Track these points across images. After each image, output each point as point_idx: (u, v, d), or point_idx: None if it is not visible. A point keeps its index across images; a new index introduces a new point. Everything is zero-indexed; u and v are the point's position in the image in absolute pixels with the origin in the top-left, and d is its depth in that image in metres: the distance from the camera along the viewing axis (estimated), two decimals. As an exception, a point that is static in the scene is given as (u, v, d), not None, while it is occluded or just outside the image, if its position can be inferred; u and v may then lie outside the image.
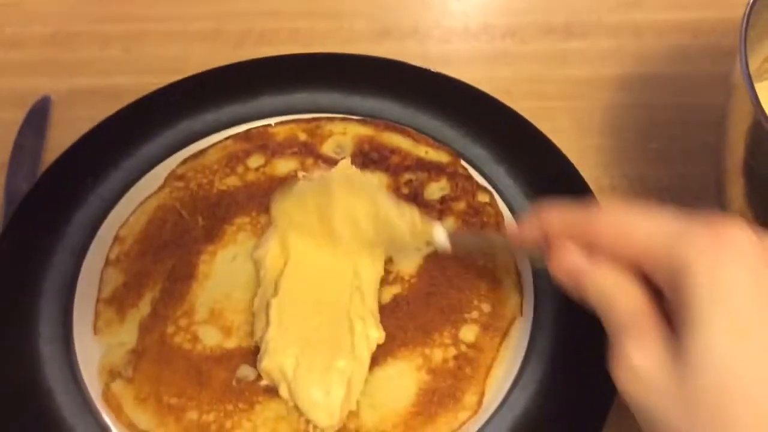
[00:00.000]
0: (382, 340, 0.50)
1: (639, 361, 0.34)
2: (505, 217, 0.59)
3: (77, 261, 0.56)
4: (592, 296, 0.39)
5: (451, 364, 0.51)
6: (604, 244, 0.38)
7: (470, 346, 0.51)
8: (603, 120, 0.69)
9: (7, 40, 0.77)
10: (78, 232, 0.57)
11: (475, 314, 0.53)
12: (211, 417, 0.48)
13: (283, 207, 0.55)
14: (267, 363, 0.48)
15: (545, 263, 0.42)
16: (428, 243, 0.52)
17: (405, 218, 0.50)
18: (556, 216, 0.42)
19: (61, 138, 0.66)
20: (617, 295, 0.37)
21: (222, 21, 0.78)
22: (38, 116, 0.69)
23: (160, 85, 0.66)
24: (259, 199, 0.59)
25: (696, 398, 0.32)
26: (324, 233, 0.52)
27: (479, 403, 0.49)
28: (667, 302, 0.36)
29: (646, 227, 0.37)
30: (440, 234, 0.50)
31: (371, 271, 0.54)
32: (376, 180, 0.56)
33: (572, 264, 0.40)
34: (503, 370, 0.51)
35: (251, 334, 0.52)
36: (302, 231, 0.53)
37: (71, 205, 0.58)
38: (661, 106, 0.71)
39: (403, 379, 0.50)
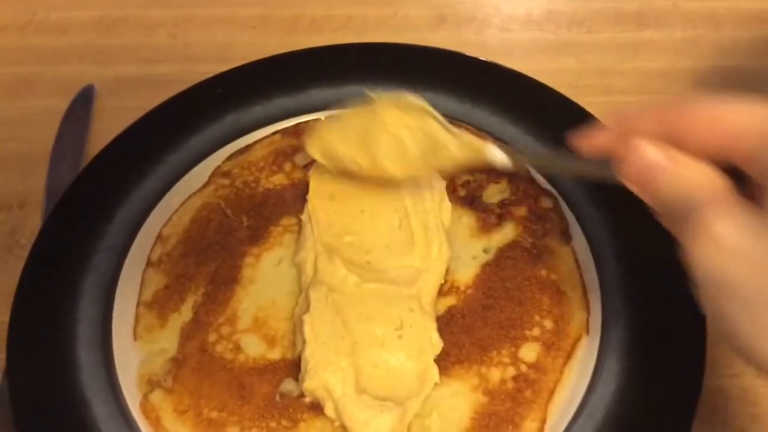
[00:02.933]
0: (439, 349, 0.47)
1: (722, 228, 0.33)
2: (569, 224, 0.54)
3: (118, 261, 0.54)
4: (669, 190, 0.36)
5: (510, 385, 0.47)
6: (692, 134, 0.36)
7: (531, 366, 0.48)
8: (678, 117, 0.64)
9: (53, 25, 0.75)
10: (120, 230, 0.55)
11: (536, 331, 0.49)
12: (252, 433, 0.46)
13: (322, 137, 0.51)
14: (309, 383, 0.45)
15: (614, 175, 0.38)
16: (481, 163, 0.47)
17: (453, 136, 0.47)
18: (637, 110, 0.39)
19: (105, 127, 0.65)
20: (700, 177, 0.35)
21: (271, 7, 0.74)
22: (82, 105, 0.67)
23: (207, 74, 0.64)
24: (306, 199, 0.56)
25: None
26: (367, 161, 0.49)
27: (540, 430, 0.45)
28: (752, 182, 0.35)
29: (741, 113, 0.35)
30: (495, 150, 0.46)
31: (432, 276, 0.51)
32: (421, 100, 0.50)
33: (648, 160, 0.37)
34: (567, 395, 0.47)
35: (295, 344, 0.49)
36: (341, 165, 0.50)
37: (113, 202, 0.56)
38: (741, 102, 0.65)
39: (458, 400, 0.46)
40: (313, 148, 0.52)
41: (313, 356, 0.46)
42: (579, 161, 0.42)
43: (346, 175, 0.52)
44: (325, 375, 0.45)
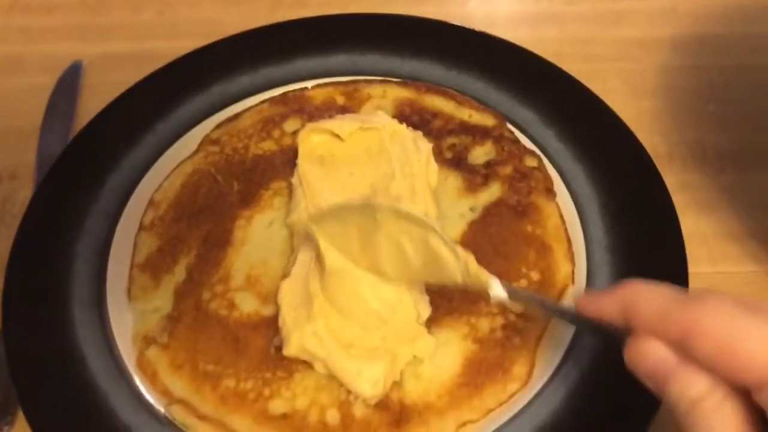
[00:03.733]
0: (427, 314, 0.48)
1: None
2: (554, 182, 0.56)
3: (111, 225, 0.54)
4: (680, 406, 0.33)
5: (499, 333, 0.48)
6: (702, 351, 0.32)
7: (519, 315, 0.49)
8: (658, 82, 0.66)
9: (39, 5, 0.76)
10: (111, 196, 0.55)
11: (523, 282, 0.50)
12: (248, 385, 0.46)
13: (324, 228, 0.48)
14: (288, 350, 0.46)
15: (617, 341, 0.36)
16: (481, 292, 0.44)
17: (458, 259, 0.44)
18: (647, 297, 0.35)
19: (93, 103, 0.65)
20: (715, 410, 0.32)
21: (257, -18, 0.75)
22: (70, 81, 0.68)
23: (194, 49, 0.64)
24: (296, 164, 0.56)
25: None
26: (367, 259, 0.47)
27: (529, 374, 0.47)
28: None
29: (763, 342, 0.31)
30: (497, 286, 0.43)
31: None
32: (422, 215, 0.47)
33: (658, 361, 0.34)
34: (554, 340, 0.48)
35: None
36: (343, 253, 0.48)
37: (104, 168, 0.56)
38: (718, 67, 0.67)
39: (449, 349, 0.47)
40: (316, 229, 0.48)
41: (286, 323, 0.46)
42: (581, 317, 0.39)
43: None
44: (301, 341, 0.46)
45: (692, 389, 0.32)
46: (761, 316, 0.31)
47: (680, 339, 0.33)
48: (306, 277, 0.48)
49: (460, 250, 0.43)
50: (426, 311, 0.48)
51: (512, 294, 0.42)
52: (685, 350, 0.33)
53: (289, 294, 0.47)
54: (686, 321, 0.33)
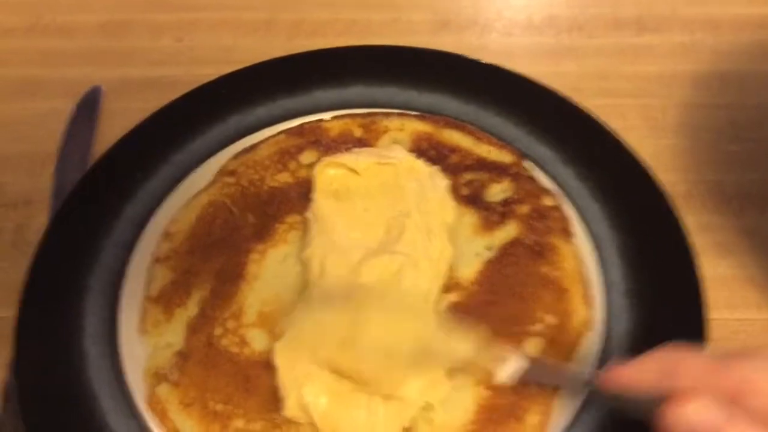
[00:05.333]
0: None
1: None
2: (571, 222, 0.55)
3: (125, 257, 0.54)
4: None
5: (514, 379, 0.47)
6: (758, 407, 0.32)
7: (535, 360, 0.48)
8: (678, 120, 0.65)
9: (59, 28, 0.76)
10: (126, 227, 0.55)
11: (539, 327, 0.49)
12: (258, 426, 0.46)
13: (294, 330, 0.46)
14: (288, 410, 0.45)
15: (645, 413, 0.35)
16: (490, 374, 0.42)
17: (458, 347, 0.42)
18: (689, 359, 0.35)
19: (111, 129, 0.65)
20: None
21: (275, 11, 0.75)
22: (89, 107, 0.68)
23: (212, 77, 0.64)
24: (311, 197, 0.56)
25: None
26: (347, 362, 0.44)
27: (543, 424, 0.46)
28: None
29: None
30: (507, 368, 0.41)
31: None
32: (423, 291, 0.47)
33: (707, 419, 0.32)
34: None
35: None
36: (314, 360, 0.45)
37: (120, 199, 0.56)
38: (739, 105, 0.66)
39: (462, 394, 0.47)
40: (280, 358, 0.46)
41: (284, 383, 0.46)
42: (598, 391, 0.39)
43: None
44: (300, 401, 0.45)
45: None
46: None
47: (733, 395, 0.32)
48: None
49: (460, 333, 0.42)
50: None
51: (521, 373, 0.41)
52: (738, 405, 0.32)
53: (285, 354, 0.47)
54: (736, 378, 0.32)
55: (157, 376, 0.48)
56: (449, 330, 0.44)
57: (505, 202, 0.56)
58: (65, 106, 0.68)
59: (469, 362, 0.42)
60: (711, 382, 0.33)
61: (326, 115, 0.62)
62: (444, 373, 0.45)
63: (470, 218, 0.56)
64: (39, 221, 0.60)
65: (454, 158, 0.59)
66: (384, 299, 0.45)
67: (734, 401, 0.32)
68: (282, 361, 0.47)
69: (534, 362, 0.43)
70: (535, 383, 0.43)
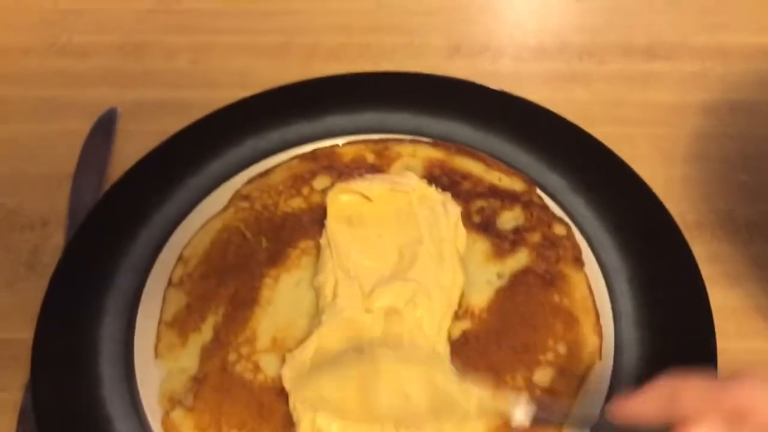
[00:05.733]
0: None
1: None
2: (582, 251, 0.56)
3: (141, 280, 0.55)
4: None
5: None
6: (758, 426, 0.32)
7: (545, 390, 0.48)
8: (688, 149, 0.65)
9: (75, 49, 0.77)
10: (142, 250, 0.56)
11: (550, 356, 0.50)
12: (271, 452, 0.46)
13: (313, 383, 0.46)
14: None
15: None
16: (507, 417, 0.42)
17: (470, 394, 0.43)
18: (689, 386, 0.35)
19: (127, 150, 0.66)
20: None
21: (291, 35, 0.76)
22: (105, 128, 0.69)
23: (227, 100, 0.65)
24: (324, 223, 0.57)
25: None
26: (364, 410, 0.45)
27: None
28: None
29: None
30: (517, 412, 0.42)
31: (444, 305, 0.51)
32: (432, 347, 0.48)
33: None
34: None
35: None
36: (334, 410, 0.45)
37: (136, 222, 0.57)
38: (750, 135, 0.66)
39: (473, 423, 0.47)
40: (304, 402, 0.47)
41: (296, 407, 0.46)
42: (607, 424, 0.39)
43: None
44: (314, 416, 0.45)
45: None
46: None
47: (730, 417, 0.33)
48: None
49: (470, 384, 0.43)
50: None
51: (537, 419, 0.42)
52: (735, 428, 0.33)
53: (294, 374, 0.47)
54: (735, 398, 0.33)
55: (172, 401, 0.49)
56: (460, 377, 0.45)
57: (517, 230, 0.57)
58: (82, 127, 0.69)
59: (485, 407, 0.42)
60: (712, 405, 0.34)
61: (339, 141, 0.63)
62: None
63: (482, 246, 0.56)
64: (55, 242, 0.61)
65: (466, 185, 0.60)
66: (394, 349, 0.46)
67: (736, 422, 0.33)
68: (292, 385, 0.47)
69: (542, 403, 0.43)
70: (546, 422, 0.44)
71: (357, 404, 0.45)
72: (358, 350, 0.47)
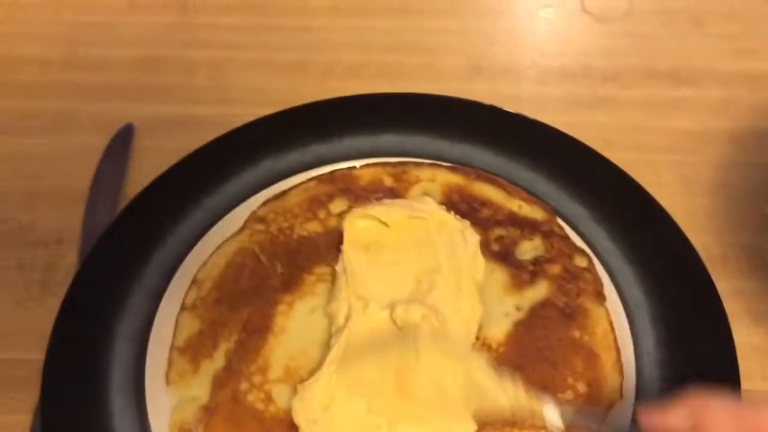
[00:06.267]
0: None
1: None
2: (604, 285, 0.54)
3: (154, 304, 0.54)
4: None
5: (542, 449, 0.46)
6: None
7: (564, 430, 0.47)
8: (713, 178, 0.64)
9: (94, 62, 0.76)
10: (156, 273, 0.55)
11: (569, 394, 0.49)
12: (281, 486, 0.46)
13: (355, 365, 0.48)
14: None
15: None
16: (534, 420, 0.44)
17: (506, 391, 0.44)
18: (717, 404, 0.37)
19: (143, 167, 0.65)
20: None
21: (309, 52, 0.75)
22: (121, 143, 0.68)
23: (244, 117, 0.65)
24: (341, 248, 0.56)
25: None
26: (400, 395, 0.46)
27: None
28: None
29: None
30: (552, 414, 0.43)
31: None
32: (470, 341, 0.49)
33: None
34: (600, 462, 0.46)
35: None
36: (372, 390, 0.47)
37: (150, 244, 0.56)
38: (777, 165, 0.65)
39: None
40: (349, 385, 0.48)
41: None
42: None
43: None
44: None
45: None
46: None
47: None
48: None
49: (508, 380, 0.42)
50: None
51: (568, 420, 0.42)
52: None
53: (304, 409, 0.46)
54: (757, 420, 0.35)
55: (183, 431, 0.48)
56: (498, 375, 0.45)
57: (536, 261, 0.56)
58: (98, 142, 0.68)
59: (520, 406, 0.43)
60: (734, 423, 0.35)
61: (357, 163, 0.62)
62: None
63: (500, 276, 0.55)
64: (69, 261, 0.60)
65: (485, 212, 0.59)
66: (436, 341, 0.46)
67: None
68: (302, 419, 0.46)
69: (578, 408, 0.45)
70: (580, 428, 0.44)
71: (393, 387, 0.46)
72: (402, 338, 0.48)
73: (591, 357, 0.50)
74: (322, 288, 0.55)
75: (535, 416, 0.42)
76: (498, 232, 0.57)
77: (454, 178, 0.61)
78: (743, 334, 0.53)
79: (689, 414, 0.37)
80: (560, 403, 0.43)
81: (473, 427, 0.46)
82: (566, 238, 0.57)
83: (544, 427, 0.46)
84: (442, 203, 0.58)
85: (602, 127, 0.68)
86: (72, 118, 0.72)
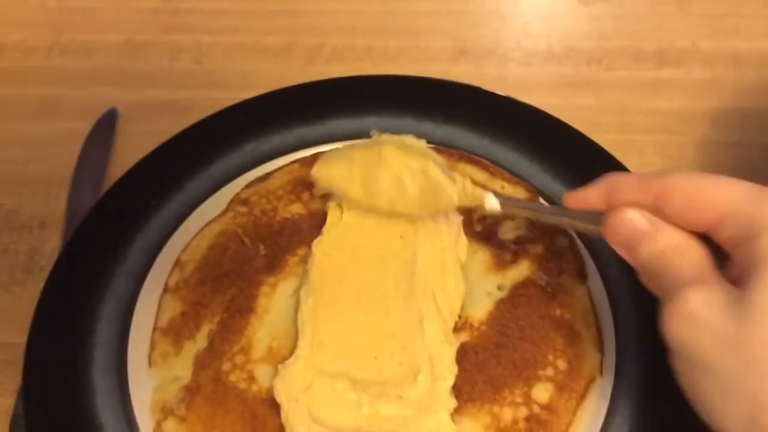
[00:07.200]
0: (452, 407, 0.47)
1: (697, 304, 0.34)
2: (585, 263, 0.54)
3: (136, 286, 0.54)
4: (650, 259, 0.38)
5: (522, 426, 0.47)
6: (674, 206, 0.38)
7: (544, 407, 0.47)
8: (696, 157, 0.64)
9: (78, 48, 0.77)
10: (138, 255, 0.55)
11: (549, 371, 0.49)
12: (264, 464, 0.46)
13: (328, 169, 0.53)
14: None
15: (600, 233, 0.42)
16: (477, 207, 0.50)
17: (454, 182, 0.49)
18: (626, 178, 0.41)
19: (126, 151, 0.66)
20: (683, 252, 0.37)
21: (294, 35, 0.75)
22: (105, 128, 0.68)
23: (229, 101, 0.65)
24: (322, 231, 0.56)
25: (749, 340, 0.32)
26: (367, 196, 0.51)
27: (550, 471, 0.45)
28: (733, 264, 0.37)
29: (723, 192, 0.37)
30: (491, 199, 0.49)
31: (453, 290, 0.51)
32: (424, 144, 0.55)
33: (632, 227, 0.39)
34: (580, 437, 0.47)
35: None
36: (345, 196, 0.53)
37: (133, 227, 0.56)
38: (760, 144, 0.65)
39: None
40: (320, 176, 0.54)
41: (288, 419, 0.45)
42: (572, 217, 0.46)
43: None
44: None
45: (661, 241, 0.38)
46: (724, 177, 0.38)
47: (655, 200, 0.39)
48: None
49: (456, 174, 0.50)
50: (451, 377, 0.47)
51: (505, 205, 0.49)
52: (659, 210, 0.39)
53: (286, 388, 0.46)
54: (660, 185, 0.39)
55: (164, 411, 0.48)
56: (447, 171, 0.51)
57: (518, 240, 0.56)
58: (82, 127, 0.68)
59: (466, 196, 0.49)
60: (641, 191, 0.39)
61: (341, 145, 0.62)
62: (449, 418, 0.45)
63: (482, 256, 0.55)
64: (52, 245, 0.60)
65: (468, 193, 0.58)
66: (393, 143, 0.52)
67: (658, 201, 0.38)
68: (284, 397, 0.47)
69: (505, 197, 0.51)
70: (513, 213, 0.52)
71: (361, 189, 0.52)
72: (368, 144, 0.54)
73: (572, 334, 0.50)
74: (304, 269, 0.54)
75: (477, 202, 0.49)
76: (480, 212, 0.57)
77: (438, 159, 0.60)
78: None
79: (604, 189, 0.42)
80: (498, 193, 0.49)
81: (452, 402, 0.46)
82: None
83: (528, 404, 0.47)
84: (425, 184, 0.58)
85: (588, 108, 0.68)
86: (56, 104, 0.72)
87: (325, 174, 0.53)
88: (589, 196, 0.43)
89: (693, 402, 0.35)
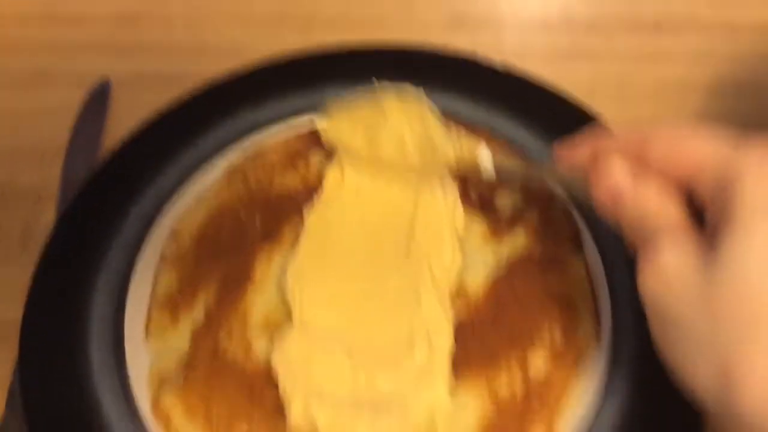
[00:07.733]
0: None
1: (669, 258, 0.34)
2: (581, 232, 0.55)
3: (132, 258, 0.54)
4: (630, 212, 0.38)
5: (518, 395, 0.47)
6: (656, 156, 0.38)
7: (540, 376, 0.48)
8: (693, 128, 0.64)
9: (71, 17, 0.75)
10: (134, 226, 0.55)
11: (545, 341, 0.49)
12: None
13: (333, 123, 0.56)
14: (293, 418, 0.45)
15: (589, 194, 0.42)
16: (474, 169, 0.51)
17: (452, 142, 0.51)
18: (610, 134, 0.42)
19: (120, 122, 0.65)
20: (658, 204, 0.37)
21: (288, 4, 0.74)
22: (98, 99, 0.68)
23: (223, 70, 0.64)
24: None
25: (720, 296, 0.32)
26: (370, 150, 0.53)
27: (547, 440, 0.46)
28: (708, 217, 0.36)
29: (700, 143, 0.37)
30: (485, 160, 0.50)
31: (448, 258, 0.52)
32: (425, 100, 0.56)
33: (615, 183, 0.39)
34: (575, 406, 0.47)
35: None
36: (348, 151, 0.55)
37: (128, 198, 0.56)
38: (755, 115, 0.65)
39: (465, 412, 0.46)
40: (326, 129, 0.57)
41: (285, 390, 0.46)
42: (562, 175, 0.46)
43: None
44: (305, 408, 0.45)
45: (640, 192, 0.38)
46: (707, 128, 0.38)
47: (639, 150, 0.39)
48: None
49: (454, 132, 0.53)
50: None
51: (500, 167, 0.51)
52: (643, 161, 0.38)
53: (284, 361, 0.47)
54: (644, 139, 0.39)
55: (162, 383, 0.48)
56: (448, 132, 0.54)
57: (514, 209, 0.56)
58: (75, 98, 0.67)
59: (461, 155, 0.51)
60: (622, 148, 0.39)
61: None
62: (446, 390, 0.45)
63: (479, 226, 0.55)
64: (47, 218, 0.60)
65: (464, 163, 0.58)
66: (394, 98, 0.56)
67: (642, 151, 0.38)
68: (282, 370, 0.47)
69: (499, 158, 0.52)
70: (506, 170, 0.52)
71: (364, 145, 0.54)
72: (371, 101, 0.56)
73: (568, 304, 0.51)
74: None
75: (472, 164, 0.50)
76: (476, 181, 0.57)
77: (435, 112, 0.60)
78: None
79: (591, 147, 0.42)
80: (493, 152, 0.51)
81: (449, 374, 0.46)
82: (544, 186, 0.56)
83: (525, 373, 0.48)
84: (420, 154, 0.58)
85: (585, 78, 0.68)
86: (50, 75, 0.71)
87: (331, 127, 0.56)
88: (579, 151, 0.43)
89: (665, 361, 0.36)
